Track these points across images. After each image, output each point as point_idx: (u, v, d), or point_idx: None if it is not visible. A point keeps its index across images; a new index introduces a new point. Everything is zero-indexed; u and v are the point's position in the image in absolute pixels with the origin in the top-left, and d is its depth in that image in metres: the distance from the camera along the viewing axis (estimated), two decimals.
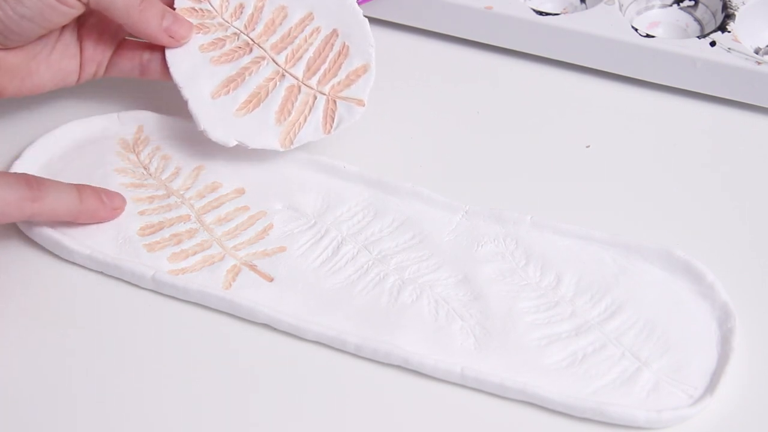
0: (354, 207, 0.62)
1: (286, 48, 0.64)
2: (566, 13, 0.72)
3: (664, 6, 0.74)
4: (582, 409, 0.52)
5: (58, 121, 0.66)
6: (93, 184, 0.62)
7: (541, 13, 0.71)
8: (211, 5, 0.66)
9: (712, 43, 0.69)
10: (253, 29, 0.65)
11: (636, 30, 0.69)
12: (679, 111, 0.69)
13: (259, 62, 0.64)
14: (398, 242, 0.60)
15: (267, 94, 0.63)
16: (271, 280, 0.58)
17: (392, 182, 0.63)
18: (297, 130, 0.62)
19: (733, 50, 0.68)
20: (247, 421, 0.53)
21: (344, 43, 0.64)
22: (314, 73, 0.64)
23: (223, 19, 0.65)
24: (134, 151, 0.65)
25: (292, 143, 0.62)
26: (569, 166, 0.66)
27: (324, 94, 0.63)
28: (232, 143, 0.62)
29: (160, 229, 0.61)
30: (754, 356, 0.55)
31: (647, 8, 0.74)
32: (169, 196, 0.62)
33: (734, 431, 0.53)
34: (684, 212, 0.63)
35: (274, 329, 0.57)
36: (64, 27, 0.63)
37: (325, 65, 0.64)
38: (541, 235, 0.60)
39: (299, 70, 0.64)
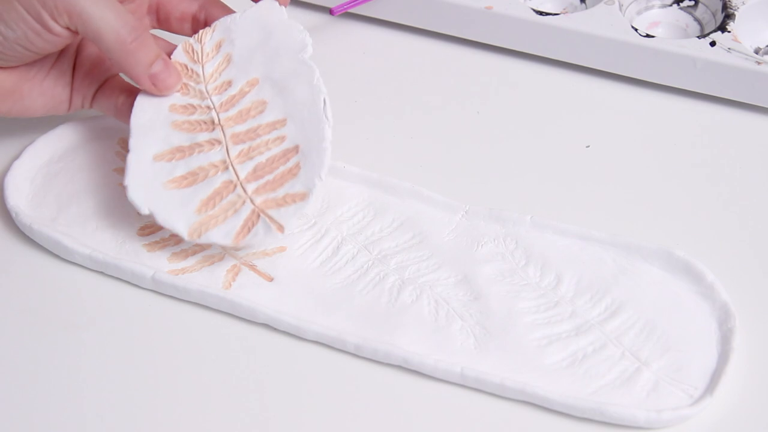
0: (354, 207, 0.62)
1: (245, 142, 0.60)
2: (566, 13, 0.72)
3: (664, 6, 0.74)
4: (582, 409, 0.52)
5: (58, 121, 0.66)
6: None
7: (541, 13, 0.71)
8: (203, 71, 0.63)
9: (712, 43, 0.68)
10: (226, 111, 0.61)
11: (636, 30, 0.69)
12: (679, 111, 0.69)
13: (213, 144, 0.60)
14: (398, 242, 0.60)
15: (204, 179, 0.59)
16: (271, 280, 0.58)
17: (392, 182, 0.63)
18: (210, 227, 0.58)
19: (733, 50, 0.68)
20: (246, 422, 0.53)
21: (298, 162, 0.59)
22: (256, 180, 0.59)
23: (206, 89, 0.62)
24: None
25: (199, 237, 0.58)
26: (569, 166, 0.66)
27: (252, 204, 0.58)
28: (145, 212, 0.58)
29: (160, 228, 0.60)
30: (754, 356, 0.55)
31: (647, 8, 0.74)
32: None
33: (734, 431, 0.53)
34: (684, 212, 0.63)
35: (274, 329, 0.57)
36: (61, 53, 0.62)
37: (270, 176, 0.59)
38: (541, 235, 0.60)
39: (244, 170, 0.60)
